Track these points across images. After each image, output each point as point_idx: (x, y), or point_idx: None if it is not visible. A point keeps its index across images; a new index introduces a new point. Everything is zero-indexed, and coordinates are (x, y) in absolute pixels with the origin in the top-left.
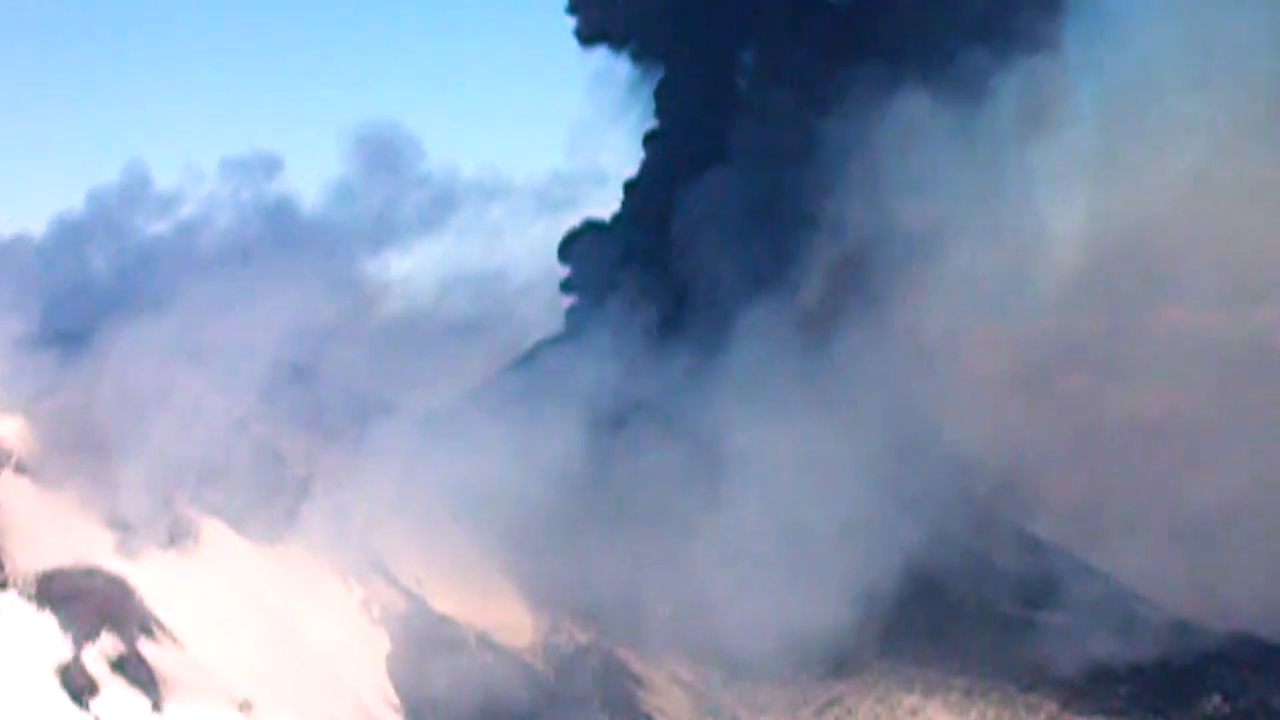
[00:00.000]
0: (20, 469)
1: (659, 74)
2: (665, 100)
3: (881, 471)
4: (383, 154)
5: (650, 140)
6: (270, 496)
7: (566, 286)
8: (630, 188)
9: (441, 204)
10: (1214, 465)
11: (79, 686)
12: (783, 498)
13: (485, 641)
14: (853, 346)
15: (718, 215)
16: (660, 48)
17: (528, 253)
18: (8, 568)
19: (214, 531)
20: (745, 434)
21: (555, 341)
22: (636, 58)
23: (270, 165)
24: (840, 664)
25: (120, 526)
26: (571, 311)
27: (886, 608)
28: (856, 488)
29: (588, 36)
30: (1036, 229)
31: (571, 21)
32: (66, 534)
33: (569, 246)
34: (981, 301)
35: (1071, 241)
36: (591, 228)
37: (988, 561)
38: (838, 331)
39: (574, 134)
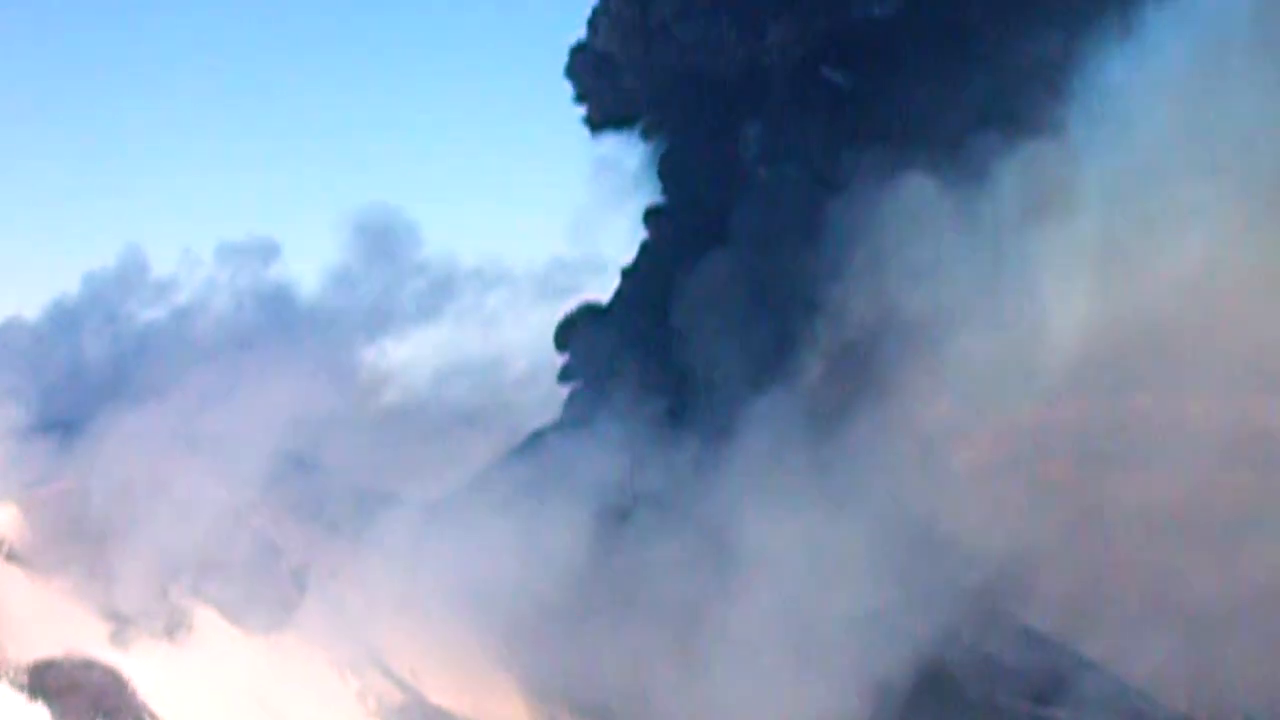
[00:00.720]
0: (13, 558)
1: (663, 152)
2: (668, 177)
3: (890, 565)
4: (380, 240)
5: (651, 217)
6: (266, 588)
7: (565, 375)
8: (630, 268)
9: (440, 292)
10: (1221, 557)
11: None
12: (793, 591)
13: None
14: (858, 438)
15: (719, 300)
16: (665, 124)
17: (528, 340)
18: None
19: (208, 622)
20: (753, 526)
21: (552, 431)
22: (644, 135)
23: (268, 251)
24: None
25: (115, 617)
26: (570, 400)
27: (897, 703)
28: (866, 581)
29: (598, 124)
30: (1040, 317)
31: (575, 109)
32: (60, 624)
33: (566, 333)
34: (985, 391)
35: (1076, 330)
36: (589, 312)
37: (993, 657)
38: (842, 422)
39: (575, 220)
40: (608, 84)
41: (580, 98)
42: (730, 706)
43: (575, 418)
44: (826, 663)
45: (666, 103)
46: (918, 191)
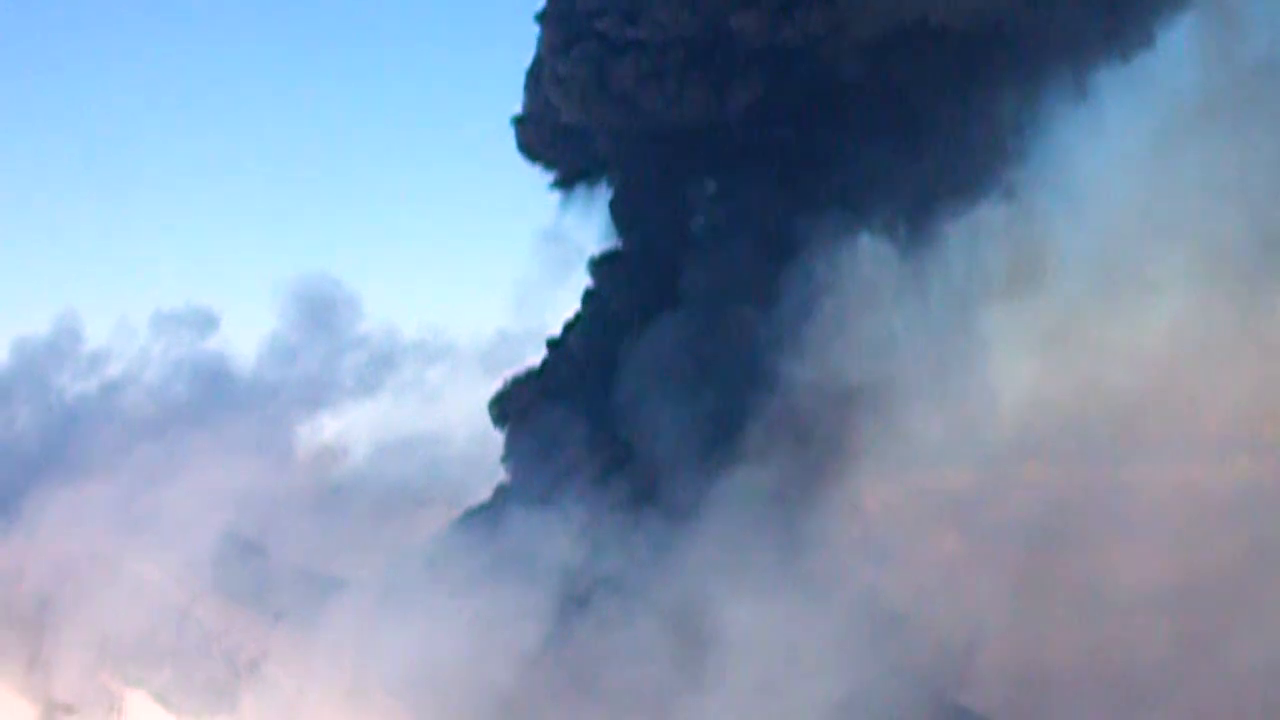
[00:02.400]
0: None
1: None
2: (618, 223)
3: (863, 648)
4: (320, 311)
5: (599, 266)
6: (202, 672)
7: (507, 454)
8: (570, 324)
9: (380, 365)
10: (1183, 633)
11: None
12: (765, 676)
13: None
14: (819, 518)
15: (665, 369)
16: (618, 176)
17: (471, 415)
18: None
19: (142, 708)
20: (721, 611)
21: (490, 510)
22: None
23: (205, 321)
24: None
25: (46, 703)
26: (513, 473)
27: None
28: (840, 665)
29: (569, 182)
30: (995, 389)
31: (521, 180)
32: None
33: (503, 405)
34: (939, 465)
35: (1033, 401)
36: (527, 381)
37: None
38: (802, 502)
39: (520, 293)
40: (564, 149)
41: (544, 163)
42: None
43: (519, 494)
44: None
45: (620, 157)
46: (871, 258)
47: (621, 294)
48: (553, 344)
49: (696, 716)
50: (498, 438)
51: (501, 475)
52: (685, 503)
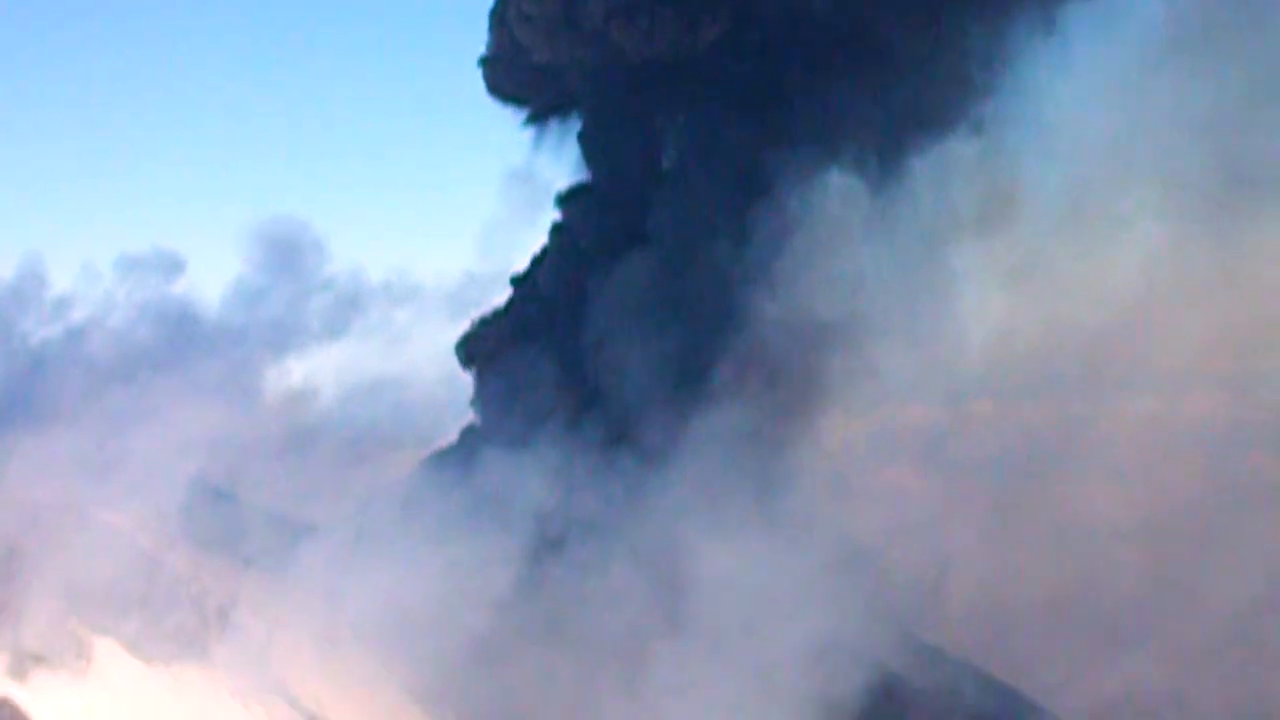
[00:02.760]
0: None
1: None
2: (587, 156)
3: (836, 591)
4: (286, 254)
5: (568, 199)
6: (169, 618)
7: (477, 397)
8: (538, 258)
9: (347, 308)
10: (1158, 563)
11: None
12: (742, 617)
13: None
14: (787, 459)
15: (634, 307)
16: (587, 109)
17: (437, 357)
18: None
19: (109, 653)
20: (697, 551)
21: (454, 452)
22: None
23: (171, 265)
24: None
25: (12, 649)
26: (483, 411)
27: None
28: (817, 605)
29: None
30: (965, 323)
31: (485, 116)
32: None
33: (471, 345)
34: (909, 399)
35: (1001, 335)
36: (495, 321)
37: (943, 688)
38: (775, 440)
39: (486, 233)
40: (534, 87)
41: (514, 102)
42: None
43: (490, 437)
44: (781, 691)
45: (590, 93)
46: (841, 194)
47: (590, 228)
48: (517, 281)
49: (673, 660)
50: (465, 380)
51: (469, 418)
52: (658, 444)
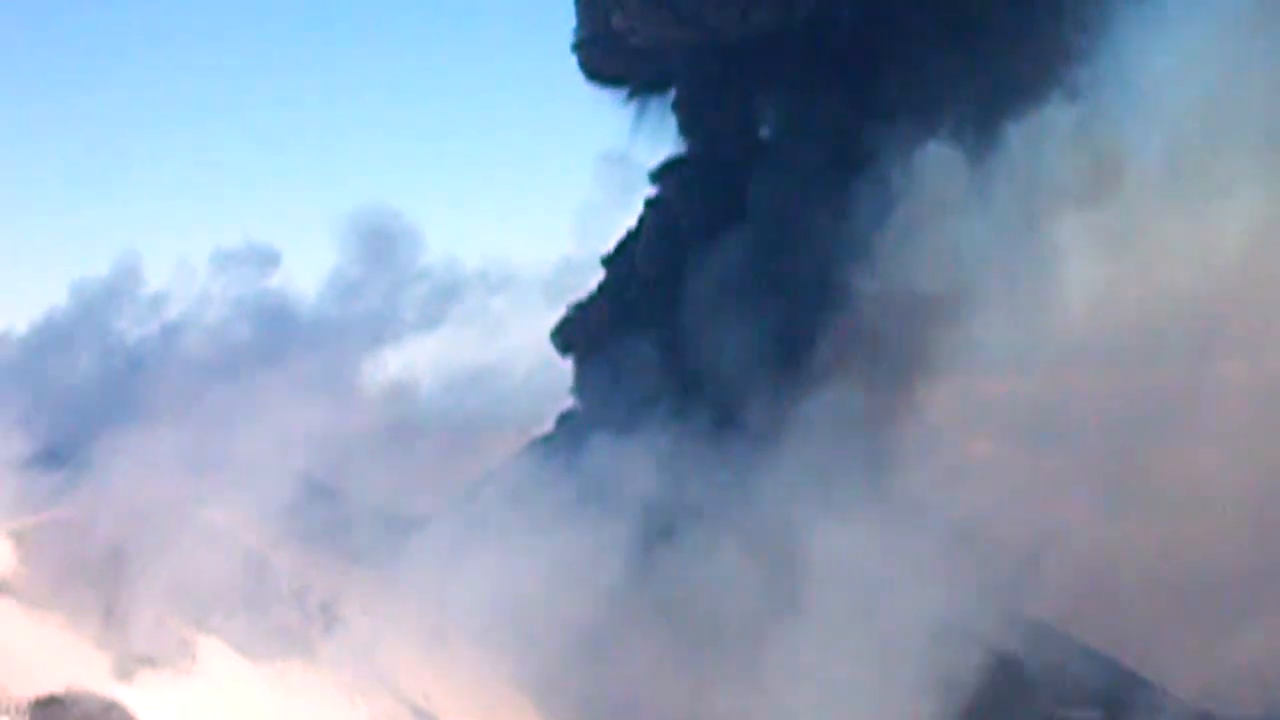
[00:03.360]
0: (7, 591)
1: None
2: (684, 130)
3: (949, 568)
4: (380, 244)
5: (665, 173)
6: (274, 616)
7: (577, 384)
8: (630, 241)
9: (443, 298)
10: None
11: None
12: (862, 601)
13: None
14: (893, 437)
15: (735, 288)
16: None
17: (535, 343)
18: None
19: (213, 652)
20: (812, 535)
21: (551, 440)
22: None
23: (266, 259)
24: None
25: (114, 649)
26: (583, 396)
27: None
28: (936, 586)
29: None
30: (1066, 294)
31: (580, 101)
32: (60, 659)
33: (566, 332)
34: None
35: (1103, 305)
36: (590, 306)
37: (1060, 667)
38: (877, 422)
39: (581, 218)
40: (630, 68)
41: (610, 84)
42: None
43: (592, 424)
44: (899, 674)
45: (687, 71)
46: (940, 166)
47: (688, 204)
48: (609, 261)
49: (789, 645)
50: (562, 367)
51: (564, 404)
52: (764, 426)
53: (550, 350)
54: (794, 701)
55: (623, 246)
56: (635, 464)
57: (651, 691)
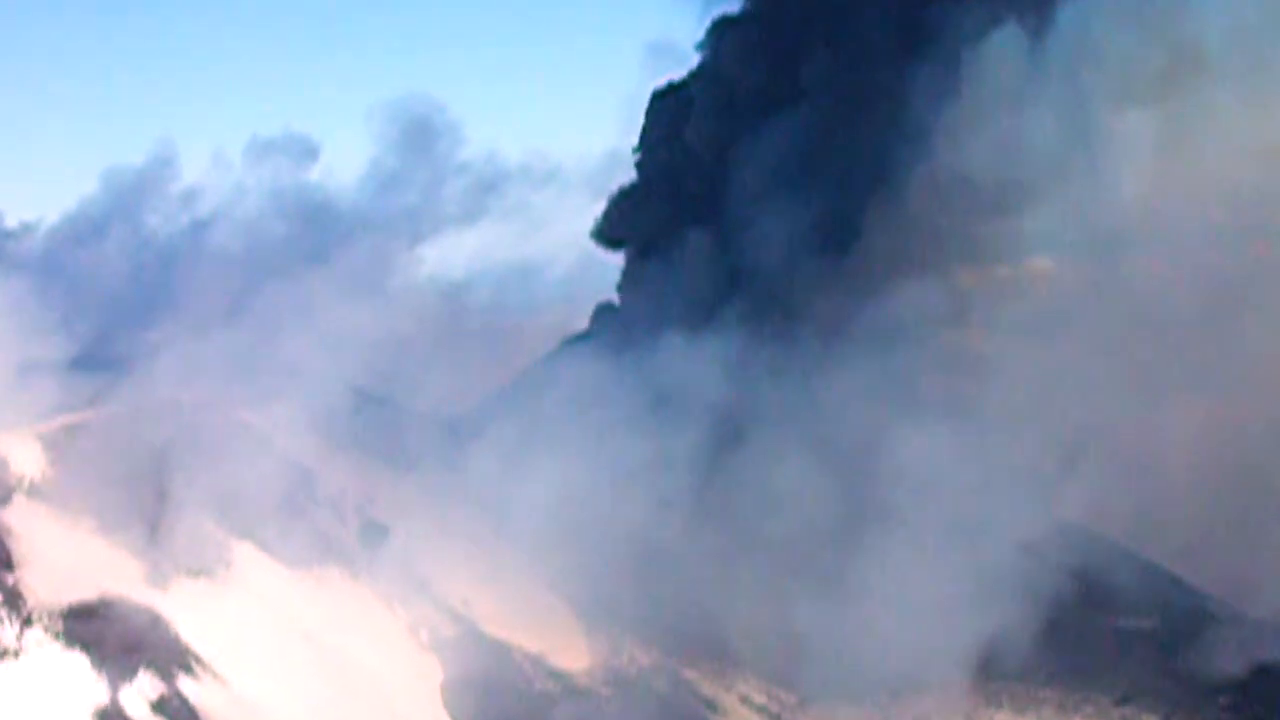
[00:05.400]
0: (34, 494)
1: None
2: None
3: (1050, 483)
4: (418, 135)
5: (719, 29)
6: (307, 520)
7: (625, 280)
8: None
9: (483, 192)
10: None
11: None
12: (950, 510)
13: (540, 666)
14: (977, 336)
15: (786, 171)
16: None
17: (579, 238)
18: (30, 602)
19: (248, 558)
20: (896, 445)
21: (593, 335)
22: None
23: (304, 150)
24: (918, 681)
25: (149, 556)
26: (629, 282)
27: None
28: (1028, 496)
29: None
30: (1124, 187)
31: None
32: (92, 565)
33: (611, 225)
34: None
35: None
36: (634, 195)
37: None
38: (942, 322)
39: (627, 109)
40: None
41: None
42: (889, 634)
43: (639, 322)
44: (992, 585)
45: None
46: (1007, 53)
47: (744, 68)
48: (649, 142)
49: (873, 556)
50: (604, 261)
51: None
52: (825, 324)
53: (591, 246)
54: (881, 614)
55: (658, 127)
56: (697, 367)
57: (717, 608)
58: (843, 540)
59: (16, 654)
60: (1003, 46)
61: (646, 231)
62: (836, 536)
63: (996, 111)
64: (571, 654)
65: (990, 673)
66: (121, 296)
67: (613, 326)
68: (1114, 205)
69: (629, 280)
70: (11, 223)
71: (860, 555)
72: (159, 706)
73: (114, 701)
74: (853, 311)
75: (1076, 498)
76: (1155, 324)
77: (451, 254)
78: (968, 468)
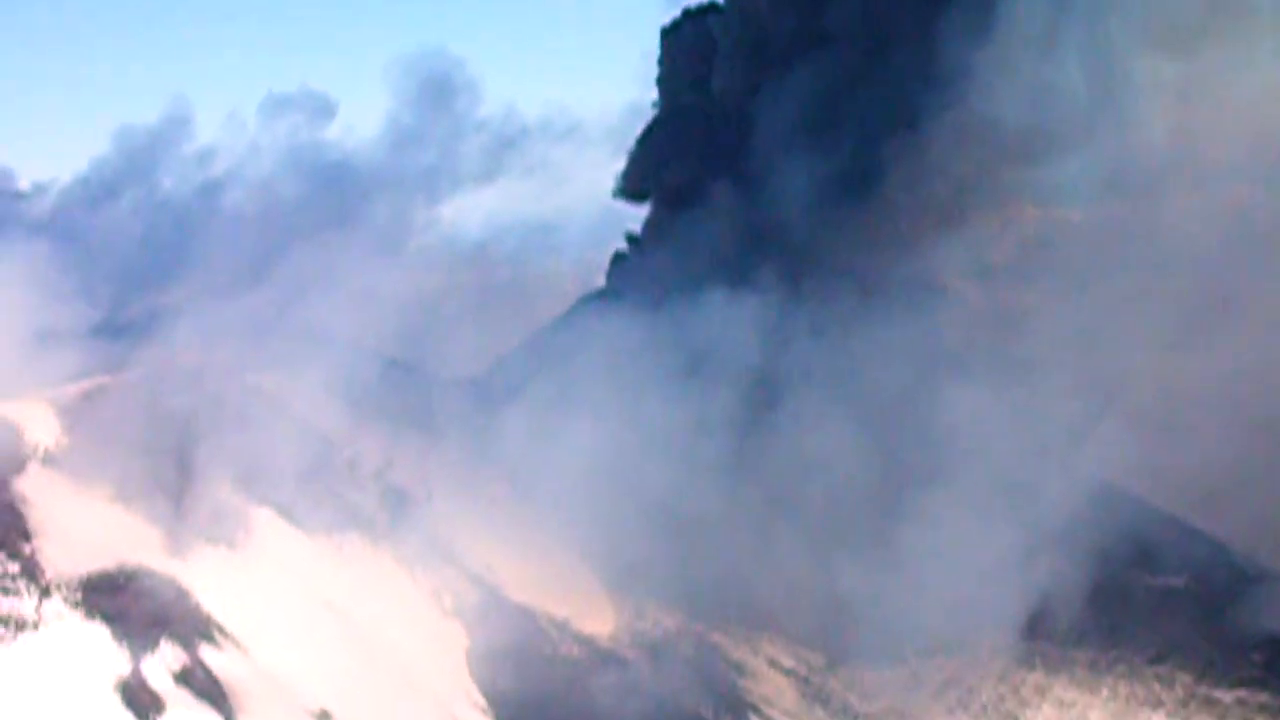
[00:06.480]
0: (49, 462)
1: None
2: None
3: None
4: (435, 91)
5: None
6: (329, 486)
7: (646, 230)
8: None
9: (502, 149)
10: None
11: (143, 703)
12: (996, 471)
13: (566, 631)
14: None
15: (810, 118)
16: None
17: (600, 193)
18: (49, 573)
19: (266, 523)
20: (943, 402)
21: (602, 295)
22: None
23: (321, 108)
24: (948, 642)
25: (167, 523)
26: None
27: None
28: (1067, 453)
29: None
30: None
31: None
32: (109, 533)
33: (633, 178)
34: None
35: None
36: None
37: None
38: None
39: (648, 63)
40: None
41: None
42: (931, 595)
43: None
44: (1038, 548)
45: None
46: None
47: (767, 12)
48: (671, 83)
49: (924, 518)
50: (624, 214)
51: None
52: (849, 281)
53: (610, 201)
54: (922, 575)
55: (677, 71)
56: (731, 327)
57: (749, 572)
58: (882, 501)
59: (36, 625)
60: None
61: (671, 183)
62: (875, 498)
63: (1028, 57)
64: (597, 619)
65: (1032, 633)
66: (136, 260)
67: (638, 283)
68: (1144, 150)
69: (653, 233)
70: (24, 184)
71: (900, 516)
72: (182, 678)
73: (136, 672)
74: (885, 267)
75: (1113, 454)
76: (1186, 272)
77: (470, 211)
78: (1008, 427)
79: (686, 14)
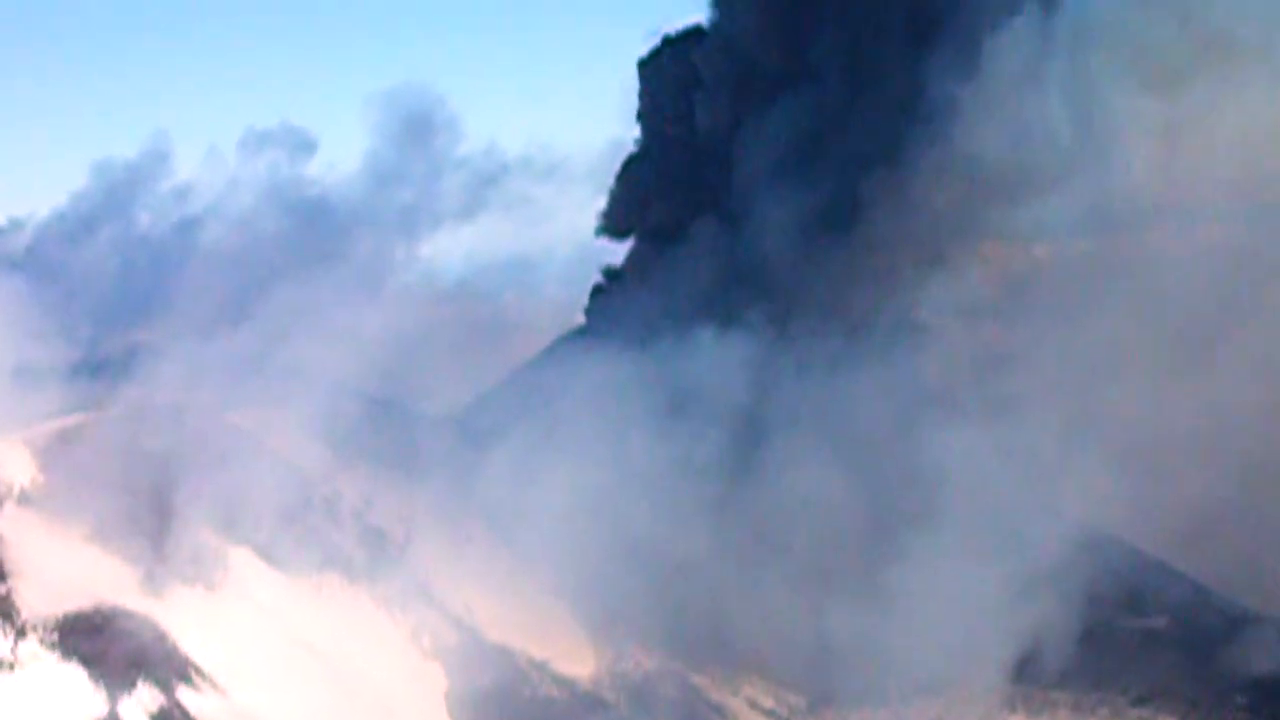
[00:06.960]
0: (25, 501)
1: None
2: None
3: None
4: (416, 128)
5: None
6: (305, 526)
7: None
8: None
9: (483, 185)
10: None
11: None
12: (984, 513)
13: (546, 672)
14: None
15: (793, 154)
16: None
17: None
18: (24, 614)
19: (243, 562)
20: (931, 442)
21: (582, 333)
22: None
23: (301, 143)
24: (933, 684)
25: (144, 562)
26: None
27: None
28: (1069, 493)
29: None
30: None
31: None
32: (84, 572)
33: (613, 216)
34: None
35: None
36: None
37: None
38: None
39: (630, 100)
40: None
41: None
42: (917, 638)
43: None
44: (1026, 591)
45: None
46: (1016, 41)
47: (750, 46)
48: (651, 118)
49: (913, 558)
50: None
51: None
52: (834, 317)
53: (590, 238)
54: (908, 618)
55: (659, 105)
56: (716, 366)
57: (732, 614)
58: (868, 542)
59: (12, 666)
60: (1020, 30)
61: (653, 220)
62: (861, 538)
63: (1012, 94)
64: (578, 660)
65: (1018, 676)
66: (114, 296)
67: (620, 320)
68: (1128, 188)
69: (636, 269)
70: (0, 219)
71: (886, 557)
72: (159, 719)
73: (113, 714)
74: (869, 305)
75: (1097, 494)
76: (1171, 310)
77: (451, 248)
78: (995, 467)
79: (667, 41)
